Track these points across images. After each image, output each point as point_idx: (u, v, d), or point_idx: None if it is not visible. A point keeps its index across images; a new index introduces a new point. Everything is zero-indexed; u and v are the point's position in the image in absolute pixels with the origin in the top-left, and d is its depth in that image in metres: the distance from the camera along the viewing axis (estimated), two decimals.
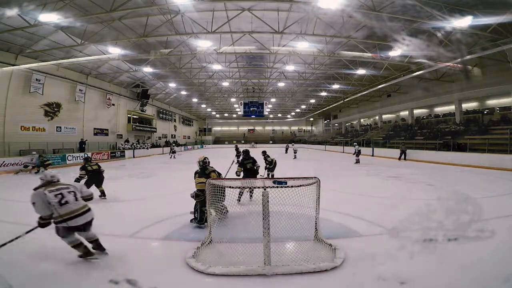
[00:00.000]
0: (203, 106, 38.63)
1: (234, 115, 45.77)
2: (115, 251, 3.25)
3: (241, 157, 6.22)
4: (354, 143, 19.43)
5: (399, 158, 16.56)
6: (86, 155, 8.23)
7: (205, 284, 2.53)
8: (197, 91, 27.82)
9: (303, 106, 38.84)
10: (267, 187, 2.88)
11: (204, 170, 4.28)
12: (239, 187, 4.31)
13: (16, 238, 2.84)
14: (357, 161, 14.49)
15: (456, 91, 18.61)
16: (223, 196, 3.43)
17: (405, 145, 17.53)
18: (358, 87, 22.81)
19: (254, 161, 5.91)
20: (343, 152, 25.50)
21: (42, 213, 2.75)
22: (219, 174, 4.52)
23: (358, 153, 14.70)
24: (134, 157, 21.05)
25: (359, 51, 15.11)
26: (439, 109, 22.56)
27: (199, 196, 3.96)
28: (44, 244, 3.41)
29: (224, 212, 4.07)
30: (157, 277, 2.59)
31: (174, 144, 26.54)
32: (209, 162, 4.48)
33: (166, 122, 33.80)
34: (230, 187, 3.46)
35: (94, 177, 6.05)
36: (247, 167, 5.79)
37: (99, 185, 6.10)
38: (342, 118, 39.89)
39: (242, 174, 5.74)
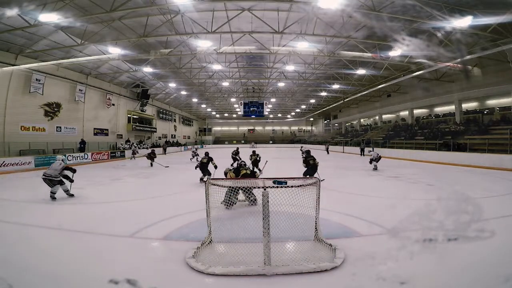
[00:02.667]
0: (203, 106, 38.60)
1: (234, 115, 45.72)
2: (115, 251, 3.26)
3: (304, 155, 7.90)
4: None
5: (361, 155, 20.52)
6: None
7: (205, 284, 2.53)
8: (197, 91, 27.80)
9: (303, 106, 38.80)
10: (267, 187, 2.88)
11: (239, 168, 5.72)
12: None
13: None
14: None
15: (456, 91, 18.60)
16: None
17: (363, 144, 21.99)
18: (358, 87, 22.79)
19: (314, 159, 7.41)
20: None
21: None
22: (252, 172, 5.88)
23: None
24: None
25: (359, 51, 15.09)
26: (439, 109, 22.54)
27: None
28: (44, 244, 3.43)
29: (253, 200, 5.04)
30: (157, 277, 2.59)
31: (135, 145, 22.26)
32: (244, 163, 6.10)
33: (166, 122, 33.78)
34: (258, 187, 3.90)
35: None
36: (310, 163, 7.34)
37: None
38: (342, 118, 39.87)
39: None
